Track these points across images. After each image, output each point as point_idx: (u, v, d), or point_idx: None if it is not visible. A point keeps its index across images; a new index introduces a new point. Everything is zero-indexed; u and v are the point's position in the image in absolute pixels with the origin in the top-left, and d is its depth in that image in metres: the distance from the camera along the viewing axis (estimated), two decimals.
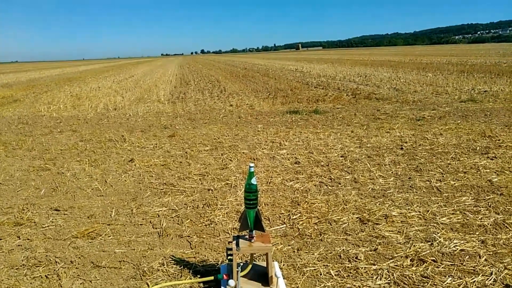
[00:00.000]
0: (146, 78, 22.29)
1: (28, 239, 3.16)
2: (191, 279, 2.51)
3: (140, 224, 3.39)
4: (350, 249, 2.80)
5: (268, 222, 3.32)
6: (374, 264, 2.59)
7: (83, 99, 13.01)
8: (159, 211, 3.66)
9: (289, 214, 3.44)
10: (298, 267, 2.61)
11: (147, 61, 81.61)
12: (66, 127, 8.07)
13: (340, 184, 4.12)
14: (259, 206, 3.60)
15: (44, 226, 3.39)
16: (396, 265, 2.56)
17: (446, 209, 3.37)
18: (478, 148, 5.17)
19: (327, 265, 2.62)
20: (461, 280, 2.36)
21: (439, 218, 3.21)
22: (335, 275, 2.50)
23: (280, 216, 3.42)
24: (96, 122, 8.52)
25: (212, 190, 4.11)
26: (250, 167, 2.24)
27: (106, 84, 19.02)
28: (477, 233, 2.94)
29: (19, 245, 3.07)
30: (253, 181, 2.28)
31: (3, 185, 4.50)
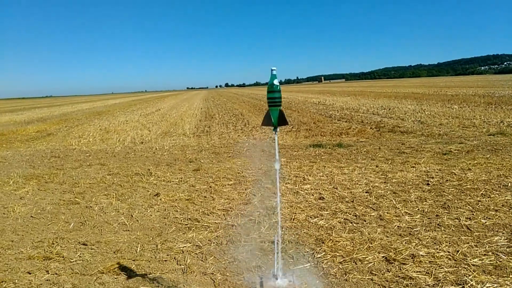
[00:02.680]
0: (172, 112, 22.92)
1: (56, 274, 3.24)
2: None
3: (165, 260, 3.42)
4: None
5: (292, 260, 3.28)
6: None
7: (112, 132, 13.47)
8: (183, 247, 3.69)
9: (313, 253, 3.40)
10: None
11: (173, 94, 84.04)
12: (95, 160, 8.34)
13: (365, 221, 4.06)
14: (285, 244, 3.58)
15: (72, 260, 3.47)
16: None
17: (477, 249, 3.25)
18: (510, 184, 5.00)
19: None
20: None
21: (470, 259, 3.09)
22: None
23: (304, 255, 3.38)
24: (124, 156, 8.77)
25: (235, 226, 4.12)
26: (272, 70, 2.40)
27: (134, 118, 19.66)
28: (511, 275, 2.81)
29: (47, 280, 3.14)
30: (276, 82, 2.42)
31: (35, 219, 4.67)
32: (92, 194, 5.66)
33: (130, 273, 3.20)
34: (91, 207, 5.04)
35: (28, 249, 3.78)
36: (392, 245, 3.45)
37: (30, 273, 3.26)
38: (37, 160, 8.70)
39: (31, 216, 4.76)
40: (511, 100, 17.72)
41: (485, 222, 3.81)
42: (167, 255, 3.53)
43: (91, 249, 3.71)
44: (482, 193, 4.69)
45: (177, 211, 4.73)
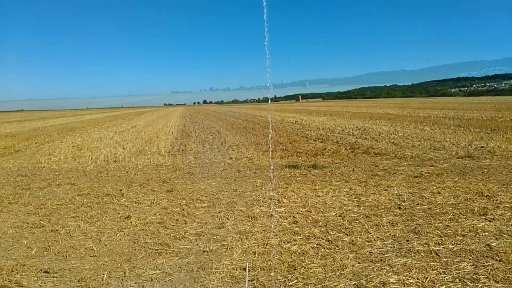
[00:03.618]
0: (148, 129, 22.64)
1: None
2: None
3: None
4: None
5: None
6: None
7: (84, 150, 13.13)
8: (152, 274, 3.58)
9: (285, 280, 3.36)
10: None
11: (149, 110, 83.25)
12: (64, 179, 8.08)
13: (337, 246, 4.06)
14: (257, 271, 3.52)
15: None
16: None
17: (445, 276, 3.29)
18: (476, 208, 5.14)
19: None
20: None
21: (439, 287, 3.12)
22: None
23: (276, 282, 3.34)
24: (95, 175, 8.54)
25: (207, 252, 4.04)
26: None
27: (108, 135, 19.28)
28: None
29: None
30: None
31: None
32: (59, 216, 5.45)
33: None
34: (57, 230, 4.84)
35: None
36: (363, 272, 3.45)
37: None
38: (2, 179, 8.35)
39: None
40: (479, 123, 18.43)
41: (453, 248, 3.88)
42: (135, 283, 3.41)
43: (53, 277, 3.55)
44: (450, 218, 4.79)
45: (147, 235, 4.61)
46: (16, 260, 3.95)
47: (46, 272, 3.65)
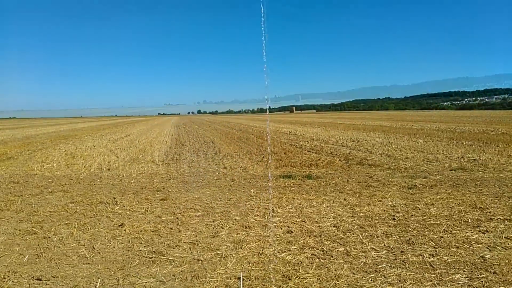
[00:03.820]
0: (142, 138, 22.56)
1: None
2: None
3: None
4: None
5: None
6: None
7: (78, 157, 13.04)
8: (146, 282, 3.55)
9: None
10: None
11: (144, 119, 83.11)
12: (57, 187, 8.01)
13: (332, 256, 4.06)
14: (251, 281, 3.51)
15: None
16: None
17: None
18: (469, 220, 5.17)
19: None
20: None
21: None
22: None
23: None
24: (89, 183, 8.48)
25: (201, 260, 4.01)
26: None
27: (102, 143, 19.18)
28: None
29: None
30: None
31: None
32: (52, 223, 5.39)
33: None
34: (49, 237, 4.79)
35: None
36: (358, 282, 3.45)
37: None
38: None
39: None
40: (471, 136, 18.62)
41: (447, 259, 3.90)
42: None
43: (46, 284, 3.50)
44: (444, 229, 4.82)
45: (141, 243, 4.57)
46: (8, 267, 3.90)
47: (38, 279, 3.60)
